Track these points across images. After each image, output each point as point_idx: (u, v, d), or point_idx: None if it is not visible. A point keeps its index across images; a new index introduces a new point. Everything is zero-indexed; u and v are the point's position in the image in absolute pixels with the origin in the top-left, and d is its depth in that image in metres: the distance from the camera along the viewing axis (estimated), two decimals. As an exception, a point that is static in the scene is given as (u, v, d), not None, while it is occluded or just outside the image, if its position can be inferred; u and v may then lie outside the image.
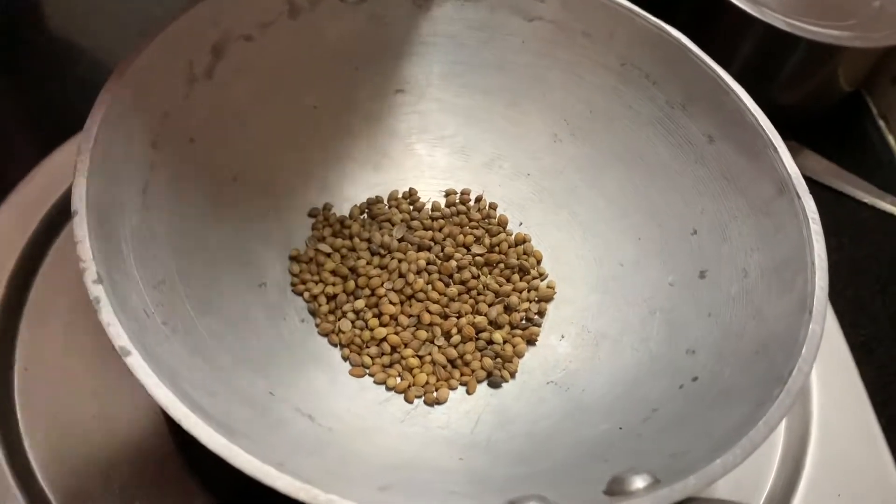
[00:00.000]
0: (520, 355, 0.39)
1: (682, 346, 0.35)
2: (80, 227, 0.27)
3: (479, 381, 0.38)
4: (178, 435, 0.36)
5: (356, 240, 0.41)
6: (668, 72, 0.39)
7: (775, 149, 0.35)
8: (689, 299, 0.36)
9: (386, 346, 0.38)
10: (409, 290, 0.40)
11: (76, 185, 0.28)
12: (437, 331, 0.38)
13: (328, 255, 0.41)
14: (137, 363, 0.25)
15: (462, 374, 0.38)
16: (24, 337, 0.39)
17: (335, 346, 0.38)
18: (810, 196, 0.33)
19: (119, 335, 0.26)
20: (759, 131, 0.35)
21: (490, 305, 0.40)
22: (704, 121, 0.38)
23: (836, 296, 0.48)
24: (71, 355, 0.39)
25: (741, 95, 0.36)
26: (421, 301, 0.39)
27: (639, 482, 0.26)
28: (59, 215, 0.43)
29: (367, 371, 0.37)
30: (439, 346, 0.38)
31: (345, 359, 0.38)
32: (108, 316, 0.26)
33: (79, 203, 0.28)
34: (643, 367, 0.36)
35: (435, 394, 0.37)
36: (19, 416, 0.37)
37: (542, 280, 0.42)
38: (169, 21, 0.34)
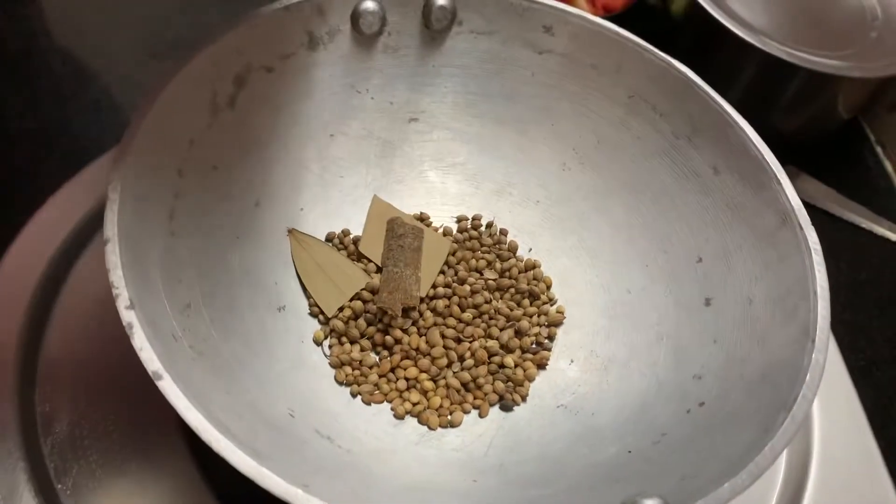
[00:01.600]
0: (531, 379, 0.40)
1: (688, 371, 0.36)
2: (113, 253, 0.28)
3: (492, 405, 0.39)
4: (196, 448, 0.37)
5: (371, 264, 0.42)
6: (675, 104, 0.40)
7: (779, 181, 0.36)
8: (695, 326, 0.37)
9: (400, 372, 0.39)
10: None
11: (108, 212, 0.29)
12: (453, 355, 0.39)
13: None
14: (169, 387, 0.26)
15: (475, 398, 0.39)
16: (47, 352, 0.40)
17: (342, 383, 0.39)
18: (812, 228, 0.35)
19: (151, 360, 0.27)
20: (763, 164, 0.37)
21: (501, 330, 0.41)
22: (710, 152, 0.39)
23: (834, 319, 0.47)
24: (92, 368, 0.40)
25: (745, 129, 0.37)
26: (437, 325, 0.40)
27: (650, 505, 0.27)
28: (82, 235, 0.44)
29: (386, 397, 0.38)
30: (454, 371, 0.39)
31: (353, 392, 0.39)
32: (140, 341, 0.27)
33: (111, 231, 0.29)
34: (651, 391, 0.37)
35: (449, 417, 0.38)
36: (40, 429, 0.38)
37: (551, 305, 0.43)
38: (193, 52, 0.35)
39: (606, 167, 0.43)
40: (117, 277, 0.28)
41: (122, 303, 0.27)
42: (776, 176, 0.36)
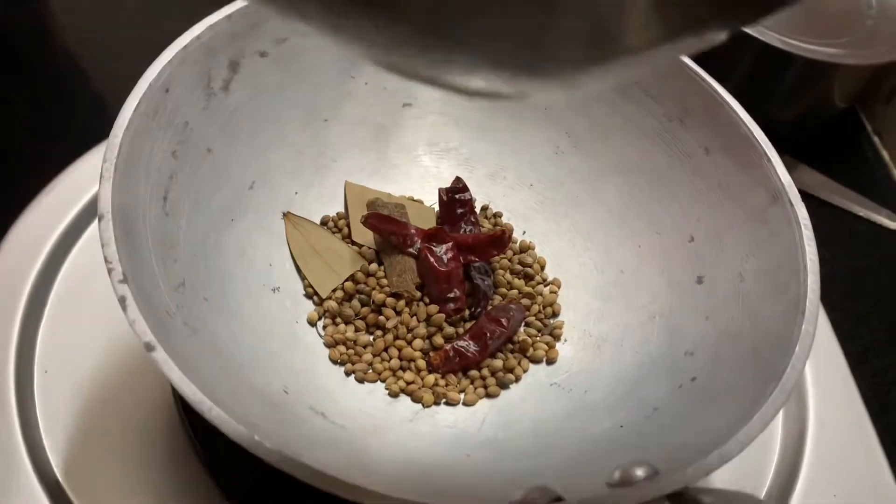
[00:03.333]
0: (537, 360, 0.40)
1: (680, 348, 0.36)
2: (107, 230, 0.29)
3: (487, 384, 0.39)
4: (195, 435, 0.38)
5: (365, 248, 0.43)
6: (666, 87, 0.40)
7: (769, 159, 0.36)
8: (687, 304, 0.38)
9: (394, 351, 0.39)
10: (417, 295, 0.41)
11: (102, 190, 0.30)
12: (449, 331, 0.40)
13: (338, 261, 0.42)
14: (162, 358, 0.26)
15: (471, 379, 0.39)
16: (45, 338, 0.41)
17: (336, 362, 0.39)
18: (802, 204, 0.35)
19: (144, 331, 0.27)
20: (753, 143, 0.37)
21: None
22: (701, 133, 0.39)
23: (832, 307, 0.49)
24: (88, 356, 0.40)
25: (736, 109, 0.38)
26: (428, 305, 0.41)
27: (639, 472, 0.27)
28: (78, 224, 0.44)
29: (379, 376, 0.38)
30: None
31: (347, 371, 0.39)
32: (133, 313, 0.27)
33: (105, 208, 0.29)
34: (644, 368, 0.37)
35: (445, 395, 0.38)
36: (38, 413, 0.38)
37: (545, 286, 0.43)
38: (189, 36, 0.35)
39: (599, 150, 0.43)
40: (110, 252, 0.28)
41: (115, 277, 0.28)
42: (766, 154, 0.36)
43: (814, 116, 0.61)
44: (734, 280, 0.36)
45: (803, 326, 0.31)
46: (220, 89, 0.38)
